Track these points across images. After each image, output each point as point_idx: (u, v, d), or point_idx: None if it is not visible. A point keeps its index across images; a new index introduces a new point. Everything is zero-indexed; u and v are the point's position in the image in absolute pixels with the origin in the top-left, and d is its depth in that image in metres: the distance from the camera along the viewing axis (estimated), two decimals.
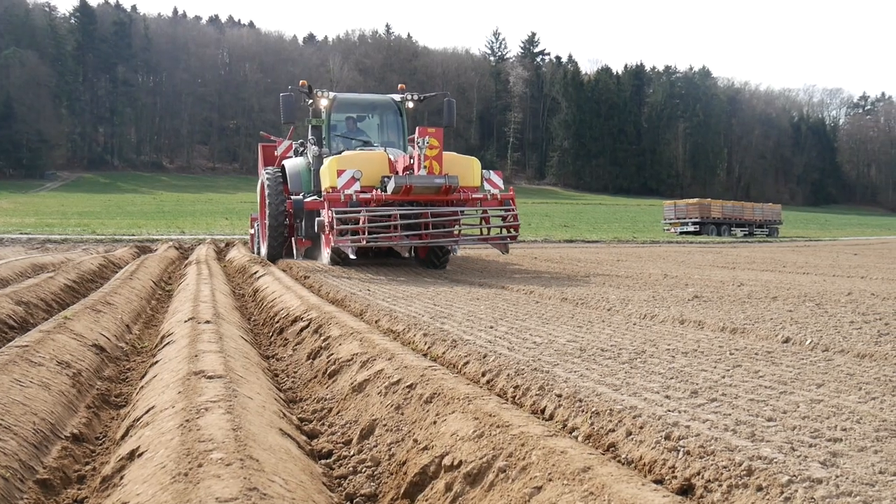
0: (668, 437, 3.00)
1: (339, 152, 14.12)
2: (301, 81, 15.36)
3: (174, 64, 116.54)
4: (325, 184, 12.94)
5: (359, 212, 12.08)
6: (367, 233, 12.04)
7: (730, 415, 3.31)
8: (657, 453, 2.92)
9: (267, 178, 15.73)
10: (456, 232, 13.12)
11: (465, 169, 13.22)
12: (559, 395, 3.81)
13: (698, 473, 2.69)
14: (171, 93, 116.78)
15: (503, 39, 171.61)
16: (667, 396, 3.67)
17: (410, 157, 12.55)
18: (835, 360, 4.84)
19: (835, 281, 11.88)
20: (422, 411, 3.06)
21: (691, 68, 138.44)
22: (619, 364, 4.59)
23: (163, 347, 4.98)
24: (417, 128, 12.42)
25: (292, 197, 13.61)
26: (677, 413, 3.33)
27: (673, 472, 2.77)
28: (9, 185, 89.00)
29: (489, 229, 13.47)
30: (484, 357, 4.88)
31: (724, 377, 4.22)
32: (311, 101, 15.27)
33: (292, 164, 15.61)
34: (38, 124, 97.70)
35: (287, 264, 13.77)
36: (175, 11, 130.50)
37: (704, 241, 38.15)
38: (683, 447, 2.86)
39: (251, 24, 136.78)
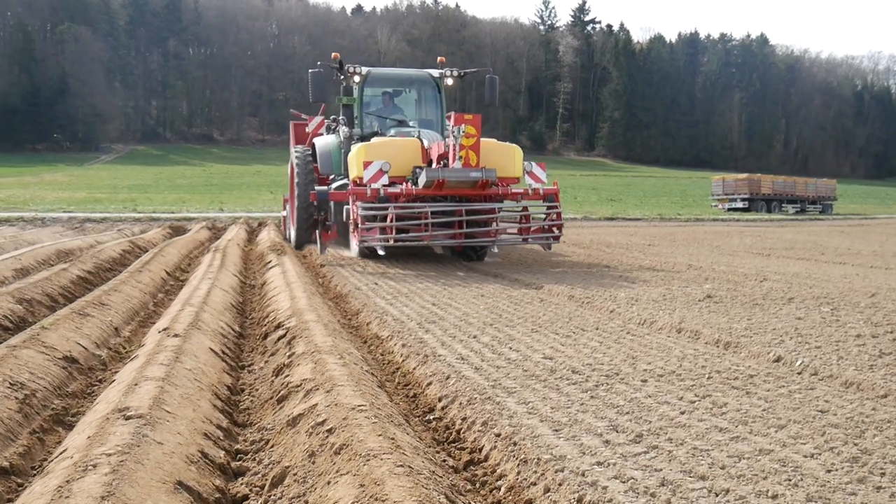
0: (579, 501, 2.84)
1: (373, 133, 13.20)
2: (333, 54, 14.16)
3: (223, 37, 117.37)
4: (353, 173, 11.97)
5: (386, 208, 11.07)
6: (395, 231, 11.08)
7: (660, 470, 3.14)
8: None
9: (296, 158, 14.64)
10: (493, 230, 11.88)
11: (505, 158, 12.08)
12: (498, 435, 3.67)
13: None
14: (220, 66, 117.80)
15: (553, 8, 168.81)
16: (606, 441, 3.51)
17: (447, 144, 11.37)
18: (815, 391, 4.59)
19: (867, 275, 11.41)
20: (329, 464, 2.96)
21: (748, 36, 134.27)
22: (580, 392, 4.43)
23: (128, 363, 4.97)
24: (453, 114, 11.28)
25: (317, 188, 12.28)
26: (604, 467, 3.17)
27: None
28: (65, 158, 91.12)
29: (530, 227, 12.17)
30: (447, 379, 4.76)
31: (683, 413, 4.03)
32: (342, 77, 14.08)
33: (323, 142, 14.55)
34: (92, 98, 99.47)
35: (310, 251, 13.74)
36: None
37: (751, 219, 37.15)
38: None
39: None
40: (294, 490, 2.96)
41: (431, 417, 4.31)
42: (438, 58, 15.33)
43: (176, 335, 5.19)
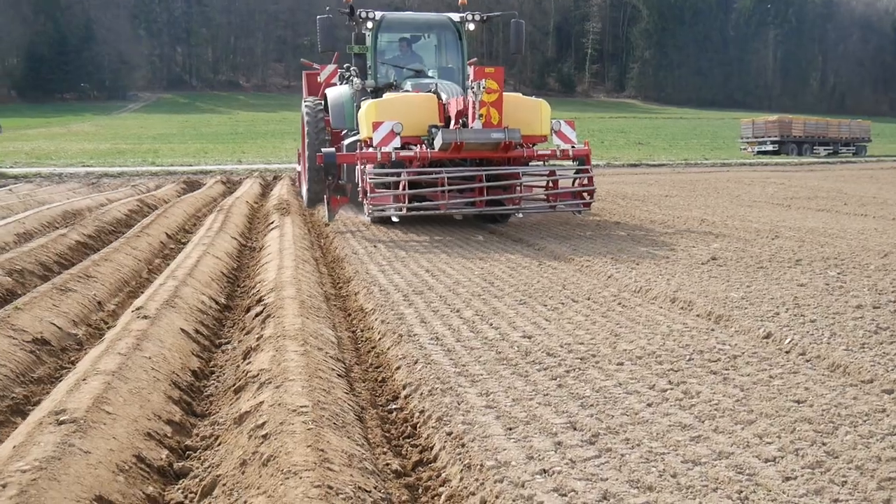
0: None
1: (388, 85, 12.37)
2: (349, 3, 12.88)
3: None
4: (363, 133, 11.07)
5: (399, 174, 10.31)
6: (408, 198, 10.31)
7: (605, 480, 2.99)
8: None
9: (306, 110, 13.85)
10: (517, 197, 10.89)
11: (531, 115, 11.10)
12: (449, 434, 3.54)
13: None
14: (244, 11, 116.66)
15: None
16: (558, 443, 3.36)
17: (466, 100, 10.38)
18: (797, 375, 4.39)
19: (886, 230, 11.01)
20: (255, 476, 2.85)
21: None
22: (548, 380, 4.27)
23: (92, 349, 4.91)
24: (472, 68, 10.35)
25: (324, 150, 11.14)
26: (547, 476, 3.02)
27: None
28: (93, 108, 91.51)
29: (558, 192, 11.31)
30: (415, 363, 4.63)
31: (650, 406, 3.86)
32: (354, 23, 12.99)
33: (335, 93, 13.51)
34: (118, 46, 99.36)
35: (320, 209, 13.45)
36: None
37: (780, 162, 36.28)
38: None
39: None
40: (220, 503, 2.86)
41: (393, 408, 4.20)
42: (460, 0, 14.16)
43: (145, 317, 5.11)
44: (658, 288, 6.82)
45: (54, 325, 5.49)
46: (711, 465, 3.13)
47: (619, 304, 6.35)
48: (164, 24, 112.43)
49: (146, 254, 8.94)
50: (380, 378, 4.72)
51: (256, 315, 5.73)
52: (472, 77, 10.17)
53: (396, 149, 10.43)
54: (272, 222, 11.31)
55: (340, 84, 14.18)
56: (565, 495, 2.86)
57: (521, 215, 11.30)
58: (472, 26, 12.92)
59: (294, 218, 11.64)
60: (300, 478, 2.65)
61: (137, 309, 5.46)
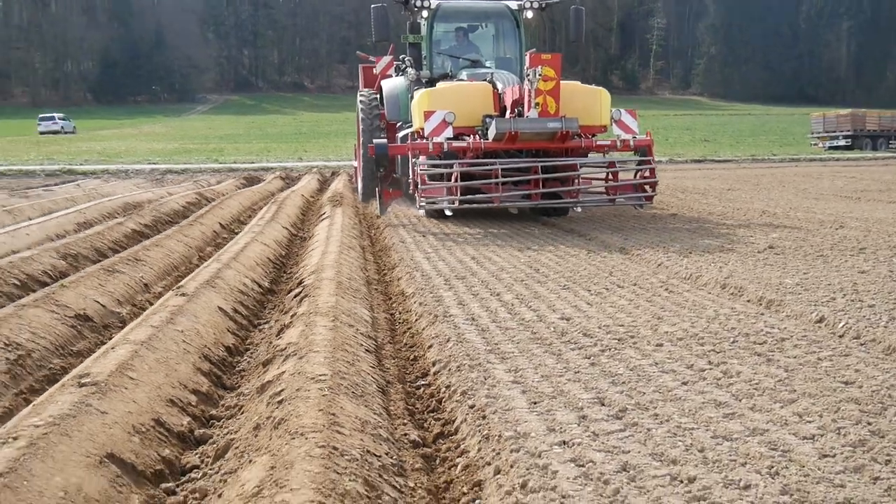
0: (522, 486, 2.60)
1: (444, 76, 11.95)
2: None
3: None
4: (415, 124, 10.71)
5: (451, 165, 9.89)
6: (461, 191, 9.94)
7: (627, 453, 2.85)
8: None
9: (361, 103, 13.56)
10: (575, 189, 10.37)
11: (590, 104, 10.65)
12: (472, 406, 3.45)
13: None
14: (309, 13, 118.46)
15: None
16: (582, 417, 3.23)
17: (522, 88, 9.96)
18: (849, 357, 4.16)
19: None
20: (266, 439, 2.81)
21: None
22: (582, 358, 4.14)
23: (132, 323, 4.96)
24: (528, 54, 10.10)
25: (375, 141, 10.93)
26: (566, 447, 2.90)
27: None
28: (164, 110, 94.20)
29: (618, 185, 10.79)
30: (447, 342, 4.54)
31: (685, 384, 3.69)
32: (408, 13, 12.69)
33: (391, 84, 13.16)
34: (187, 50, 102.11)
35: (374, 202, 13.41)
36: None
37: (853, 157, 34.99)
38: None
39: None
40: (230, 464, 2.84)
41: (422, 384, 4.13)
42: None
43: (183, 294, 5.15)
44: (709, 275, 6.58)
45: (98, 302, 5.58)
46: (743, 441, 2.96)
47: (666, 289, 6.15)
48: (232, 28, 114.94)
49: (198, 241, 9.07)
50: (412, 357, 4.65)
51: (296, 295, 5.74)
52: (528, 64, 9.82)
53: (449, 139, 10.07)
54: (324, 213, 11.37)
55: (396, 76, 13.79)
56: (582, 465, 2.73)
57: (579, 209, 10.84)
58: (530, 14, 12.39)
59: (346, 210, 11.68)
60: (306, 438, 2.60)
61: (178, 287, 5.51)
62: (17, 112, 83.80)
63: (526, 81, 9.79)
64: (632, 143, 10.67)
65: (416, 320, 5.35)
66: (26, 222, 9.97)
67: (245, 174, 21.82)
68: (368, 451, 2.70)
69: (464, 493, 2.81)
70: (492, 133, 9.95)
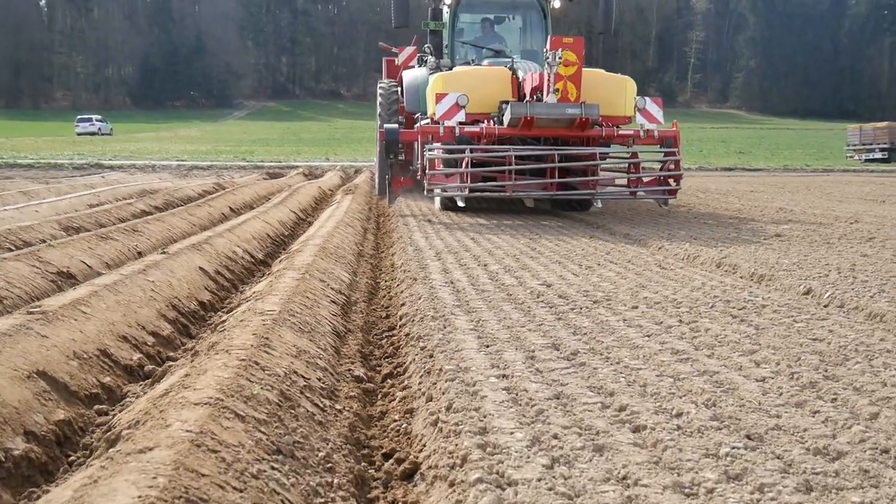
0: (448, 409, 2.54)
1: (466, 65, 11.36)
2: None
3: None
4: (429, 108, 10.10)
5: (462, 150, 9.27)
6: (472, 178, 9.33)
7: (565, 385, 2.78)
8: (424, 427, 2.49)
9: (380, 94, 13.16)
10: (593, 180, 9.74)
11: (613, 92, 9.99)
12: (423, 348, 3.40)
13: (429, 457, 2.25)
14: (347, 21, 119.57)
15: None
16: (531, 357, 3.16)
17: (543, 74, 9.43)
18: (827, 321, 4.03)
19: None
20: (198, 361, 2.77)
21: None
22: (550, 315, 4.06)
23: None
24: (549, 37, 9.48)
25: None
26: (503, 379, 2.84)
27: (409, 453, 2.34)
28: (201, 115, 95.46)
29: (640, 178, 10.14)
30: (419, 299, 4.49)
31: (648, 336, 3.60)
32: (430, 1, 12.27)
33: (411, 75, 12.45)
34: (226, 56, 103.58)
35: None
36: None
37: (889, 169, 34.24)
38: (446, 423, 2.41)
39: None
40: (161, 386, 2.80)
41: (385, 336, 4.08)
42: None
43: (164, 252, 5.16)
44: (706, 255, 6.45)
45: (84, 263, 5.61)
46: (689, 380, 2.86)
47: (660, 266, 6.04)
48: (271, 35, 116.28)
49: (203, 220, 9.12)
50: (384, 315, 4.61)
51: (280, 261, 5.72)
52: (548, 47, 9.19)
53: (461, 123, 9.47)
54: (336, 201, 11.39)
55: (419, 67, 12.99)
56: (514, 393, 2.67)
57: (599, 204, 10.17)
58: (557, 3, 11.83)
59: (357, 198, 11.68)
60: (228, 353, 2.57)
61: (164, 249, 5.53)
62: (58, 115, 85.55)
63: (545, 65, 9.20)
64: (656, 133, 10.00)
65: (398, 285, 5.31)
66: (38, 201, 10.11)
67: (269, 170, 21.96)
68: (295, 372, 2.66)
69: (395, 420, 2.75)
70: (507, 118, 9.40)
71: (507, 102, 9.57)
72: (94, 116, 64.47)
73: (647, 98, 10.17)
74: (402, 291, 5.02)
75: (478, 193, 9.70)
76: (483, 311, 4.12)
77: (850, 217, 10.11)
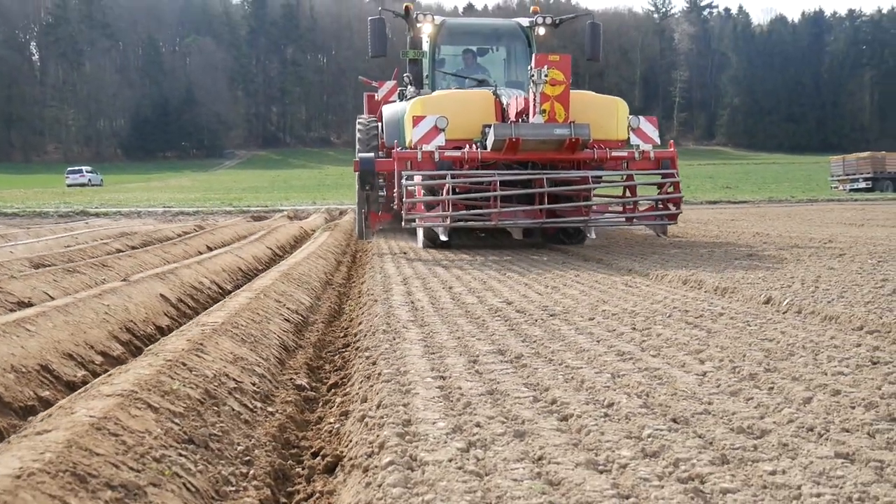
0: (378, 406, 2.51)
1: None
2: (405, 5, 11.52)
3: (338, 42, 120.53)
4: (406, 136, 9.44)
5: (442, 177, 8.60)
6: (453, 207, 8.68)
7: (501, 383, 2.76)
8: (352, 425, 2.46)
9: (359, 128, 12.57)
10: (585, 206, 9.14)
11: (604, 115, 9.35)
12: (367, 357, 3.38)
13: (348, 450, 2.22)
14: (336, 70, 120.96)
15: None
16: (473, 361, 3.14)
17: (527, 96, 8.94)
18: (780, 324, 4.02)
19: None
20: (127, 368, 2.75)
21: (879, 11, 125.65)
22: (504, 327, 4.04)
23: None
24: (534, 55, 8.96)
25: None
26: (439, 379, 2.82)
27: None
28: (192, 164, 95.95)
29: (636, 203, 9.51)
30: (375, 317, 4.47)
31: (598, 342, 3.59)
32: (409, 29, 11.68)
33: (391, 110, 11.73)
34: (216, 106, 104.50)
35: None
36: None
37: (872, 198, 34.54)
38: (372, 418, 2.38)
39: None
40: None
41: (342, 352, 4.05)
42: (532, 6, 12.68)
43: (125, 279, 5.15)
44: (673, 274, 6.46)
45: (47, 294, 5.58)
46: (628, 376, 2.85)
47: (626, 284, 6.04)
48: (261, 85, 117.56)
49: (177, 257, 9.09)
50: (341, 335, 4.58)
51: (244, 288, 5.70)
52: (533, 64, 8.60)
53: (440, 147, 8.84)
54: (314, 237, 11.40)
55: (399, 102, 12.37)
56: (447, 391, 2.65)
57: (593, 235, 9.62)
58: (542, 30, 11.30)
59: (336, 234, 11.69)
60: (157, 356, 2.55)
61: (125, 278, 5.51)
62: (49, 168, 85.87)
63: (530, 83, 8.62)
64: (652, 154, 9.34)
65: (359, 308, 5.29)
66: (13, 243, 10.10)
67: (254, 214, 22.01)
68: (226, 375, 2.64)
69: (330, 423, 2.72)
70: (490, 141, 8.72)
71: (490, 126, 8.91)
72: (84, 168, 64.81)
73: (640, 117, 9.55)
74: (362, 313, 5.00)
75: (461, 223, 9.01)
76: (437, 325, 4.10)
77: (825, 238, 10.15)
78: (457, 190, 8.77)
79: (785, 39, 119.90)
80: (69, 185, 59.25)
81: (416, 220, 8.92)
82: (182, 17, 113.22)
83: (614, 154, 9.20)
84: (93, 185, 60.48)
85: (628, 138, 9.47)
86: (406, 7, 11.39)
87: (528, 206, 8.98)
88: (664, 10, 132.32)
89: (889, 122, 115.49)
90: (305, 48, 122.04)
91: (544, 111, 8.55)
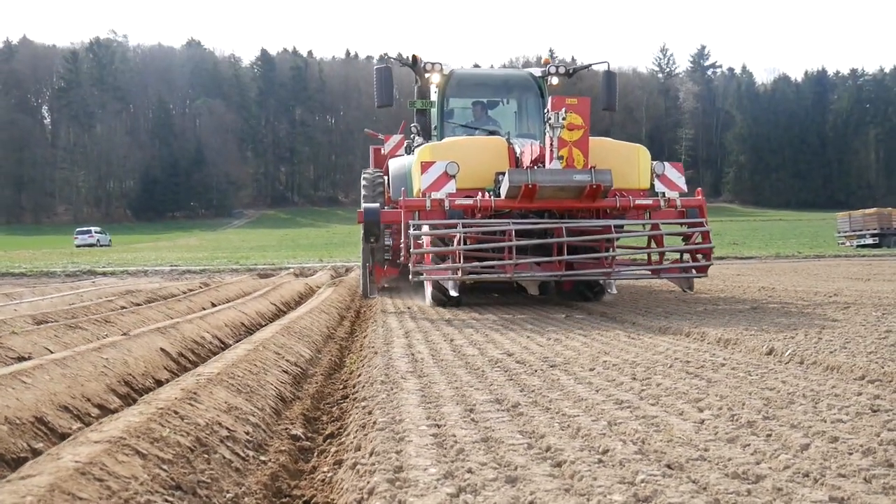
0: (370, 454, 2.49)
1: None
2: (413, 54, 11.29)
3: (346, 102, 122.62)
4: (414, 185, 8.91)
5: (453, 226, 8.06)
6: (464, 259, 8.09)
7: (495, 430, 2.73)
8: (344, 472, 2.44)
9: (364, 182, 12.18)
10: (607, 257, 8.45)
11: (626, 162, 8.78)
12: (364, 407, 3.35)
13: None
14: (344, 130, 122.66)
15: (671, 55, 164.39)
16: (470, 410, 3.11)
17: (543, 142, 8.39)
18: (781, 374, 3.99)
19: None
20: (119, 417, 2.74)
21: (881, 70, 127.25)
22: (503, 378, 4.02)
23: None
24: (551, 98, 8.38)
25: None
26: (434, 427, 2.79)
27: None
28: (200, 224, 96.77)
29: (662, 254, 8.94)
30: (374, 368, 4.46)
31: (597, 392, 3.56)
32: (416, 77, 11.38)
33: (398, 163, 11.03)
34: (225, 167, 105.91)
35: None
36: (347, 53, 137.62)
37: (879, 254, 34.48)
38: (364, 465, 2.36)
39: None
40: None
41: (340, 403, 4.02)
42: (544, 58, 12.53)
43: (125, 334, 5.15)
44: (676, 327, 6.43)
45: (47, 349, 5.58)
46: (625, 424, 2.82)
47: (629, 336, 6.01)
48: (269, 146, 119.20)
49: (181, 313, 9.10)
50: (341, 386, 4.56)
51: (244, 341, 5.70)
52: (549, 107, 8.11)
53: (450, 195, 8.32)
54: (319, 293, 11.41)
55: (406, 155, 11.67)
56: (442, 438, 2.62)
57: (614, 290, 9.13)
58: (555, 80, 10.93)
59: (340, 290, 11.71)
60: (149, 405, 2.54)
61: (125, 333, 5.52)
62: (59, 230, 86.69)
63: (547, 127, 8.09)
64: (678, 202, 8.77)
65: (360, 360, 5.27)
66: (18, 301, 10.14)
67: (260, 272, 22.09)
68: (219, 424, 2.62)
69: (324, 472, 2.69)
70: (504, 188, 8.19)
71: (504, 172, 8.37)
72: (93, 228, 65.44)
73: (665, 163, 9.06)
74: (362, 365, 4.98)
75: (474, 276, 8.43)
76: (435, 375, 4.08)
77: (831, 292, 10.11)
78: (468, 241, 8.18)
79: (789, 98, 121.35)
80: (78, 246, 59.76)
81: (424, 273, 8.33)
82: (192, 79, 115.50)
83: (638, 202, 8.64)
84: (101, 246, 60.98)
85: (651, 187, 8.98)
86: (413, 56, 11.12)
87: (545, 258, 8.37)
88: (668, 69, 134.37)
89: (895, 178, 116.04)
90: (314, 109, 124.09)
91: (562, 157, 8.08)
